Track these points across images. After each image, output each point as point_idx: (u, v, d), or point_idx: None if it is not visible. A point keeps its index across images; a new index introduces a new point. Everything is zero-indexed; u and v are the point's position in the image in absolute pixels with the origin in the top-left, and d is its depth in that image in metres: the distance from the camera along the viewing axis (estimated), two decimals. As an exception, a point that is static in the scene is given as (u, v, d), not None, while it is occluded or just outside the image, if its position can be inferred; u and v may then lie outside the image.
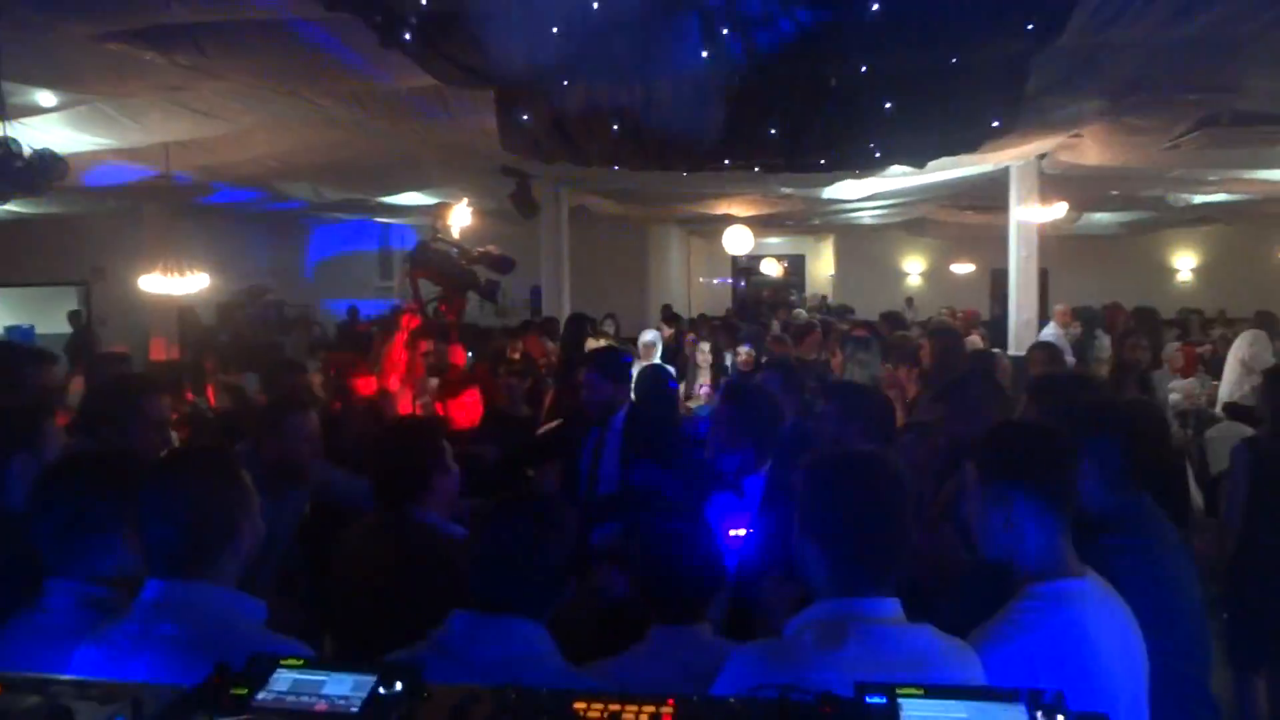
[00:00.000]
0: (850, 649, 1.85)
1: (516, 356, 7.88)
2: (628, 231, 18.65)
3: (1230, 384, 9.50)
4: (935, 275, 22.73)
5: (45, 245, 13.99)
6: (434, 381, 6.40)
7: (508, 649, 2.08)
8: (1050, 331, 11.91)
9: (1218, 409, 9.43)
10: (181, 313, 14.69)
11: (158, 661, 1.88)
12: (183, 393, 11.70)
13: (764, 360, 8.05)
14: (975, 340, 9.44)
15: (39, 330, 16.18)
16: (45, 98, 6.70)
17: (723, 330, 10.71)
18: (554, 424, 5.35)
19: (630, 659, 2.45)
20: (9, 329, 16.60)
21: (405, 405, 6.01)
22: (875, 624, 1.91)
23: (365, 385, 5.29)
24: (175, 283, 9.44)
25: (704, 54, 5.25)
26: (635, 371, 7.81)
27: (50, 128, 7.32)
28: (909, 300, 22.04)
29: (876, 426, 4.42)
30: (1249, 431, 6.57)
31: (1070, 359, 8.49)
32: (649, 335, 8.41)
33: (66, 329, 16.02)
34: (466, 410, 4.86)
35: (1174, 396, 9.82)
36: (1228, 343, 15.53)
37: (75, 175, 8.87)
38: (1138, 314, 13.01)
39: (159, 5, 4.80)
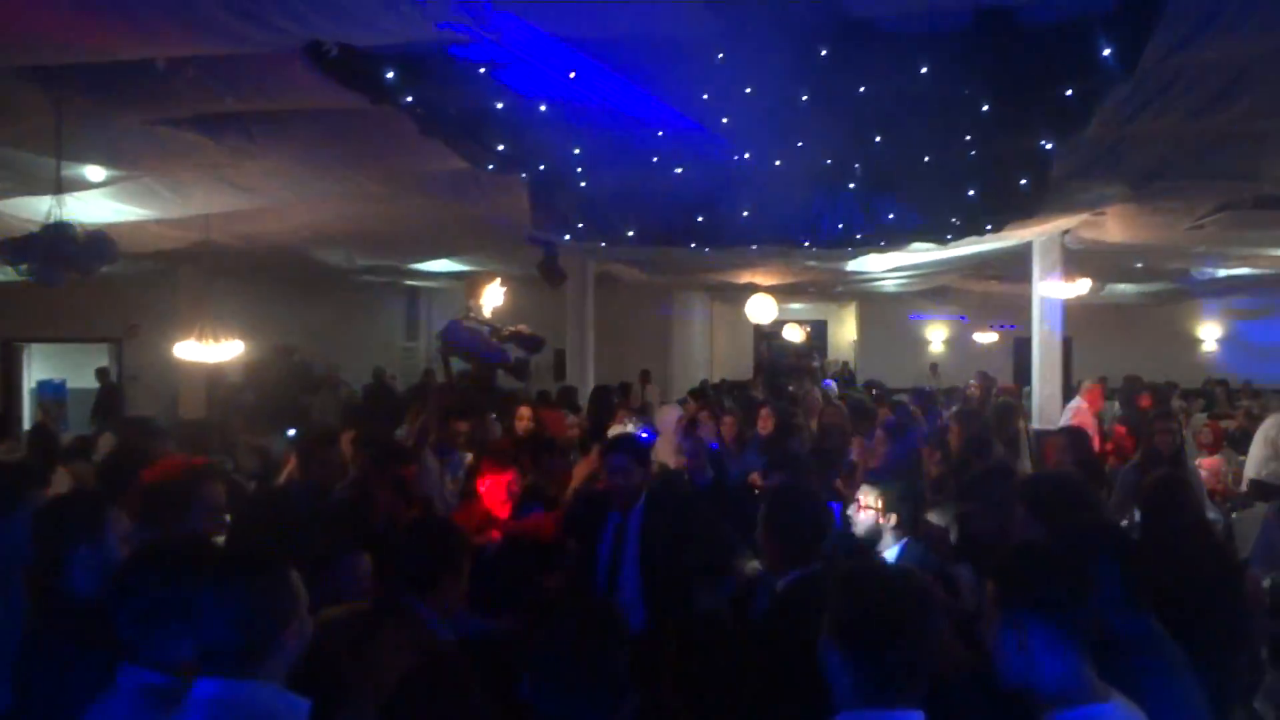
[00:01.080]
0: None
1: (524, 424, 7.72)
2: (651, 297, 18.81)
3: (1257, 461, 9.44)
4: (958, 342, 22.72)
5: (80, 303, 14.25)
6: (468, 457, 6.45)
7: None
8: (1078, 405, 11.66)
9: (1243, 485, 9.37)
10: (210, 372, 14.89)
11: None
12: (211, 453, 11.85)
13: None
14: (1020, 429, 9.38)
15: (71, 385, 16.46)
16: (94, 173, 6.93)
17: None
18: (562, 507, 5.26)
19: None
20: (42, 383, 16.88)
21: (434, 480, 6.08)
22: None
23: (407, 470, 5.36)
24: (209, 350, 9.60)
25: (736, 158, 5.41)
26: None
27: (96, 200, 7.57)
28: (933, 367, 22.02)
29: (910, 521, 4.48)
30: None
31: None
32: (670, 413, 8.39)
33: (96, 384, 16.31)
34: (499, 492, 4.92)
35: (1201, 474, 9.76)
36: (1253, 417, 15.48)
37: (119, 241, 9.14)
38: (1156, 394, 12.85)
39: (212, 96, 5.00)
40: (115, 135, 5.75)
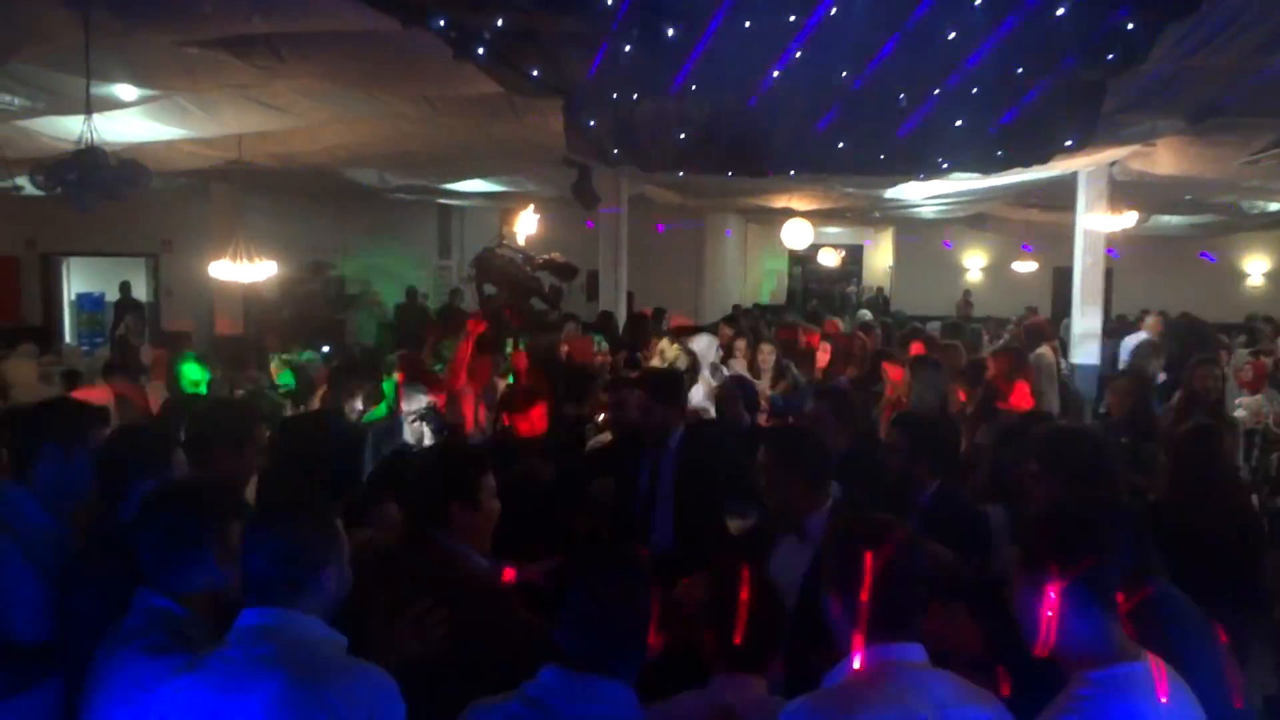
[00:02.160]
0: (889, 692, 2.01)
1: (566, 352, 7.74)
2: (685, 219, 18.62)
3: (1304, 402, 9.28)
4: (996, 271, 22.36)
5: (118, 217, 14.30)
6: (501, 384, 6.47)
7: (600, 711, 2.17)
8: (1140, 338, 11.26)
9: (1283, 426, 9.22)
10: (246, 288, 14.99)
11: (257, 680, 2.07)
12: (248, 368, 12.02)
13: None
14: (1046, 354, 9.18)
15: (109, 298, 16.65)
16: (125, 91, 6.86)
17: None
18: (605, 440, 5.30)
19: (691, 703, 2.49)
20: (81, 296, 17.08)
21: (469, 409, 6.10)
22: (907, 668, 2.08)
23: (434, 392, 5.37)
24: (243, 269, 9.63)
25: (775, 74, 5.23)
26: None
27: (128, 119, 7.52)
28: (966, 295, 21.73)
29: (943, 461, 4.42)
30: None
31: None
32: (702, 342, 8.30)
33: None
34: (532, 423, 4.90)
35: (1240, 414, 9.60)
36: (1298, 353, 15.18)
37: (152, 160, 9.12)
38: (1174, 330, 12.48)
39: (239, 17, 4.90)
40: (144, 55, 5.67)
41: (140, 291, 16.76)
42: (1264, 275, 21.17)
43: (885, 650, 2.09)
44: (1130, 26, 4.46)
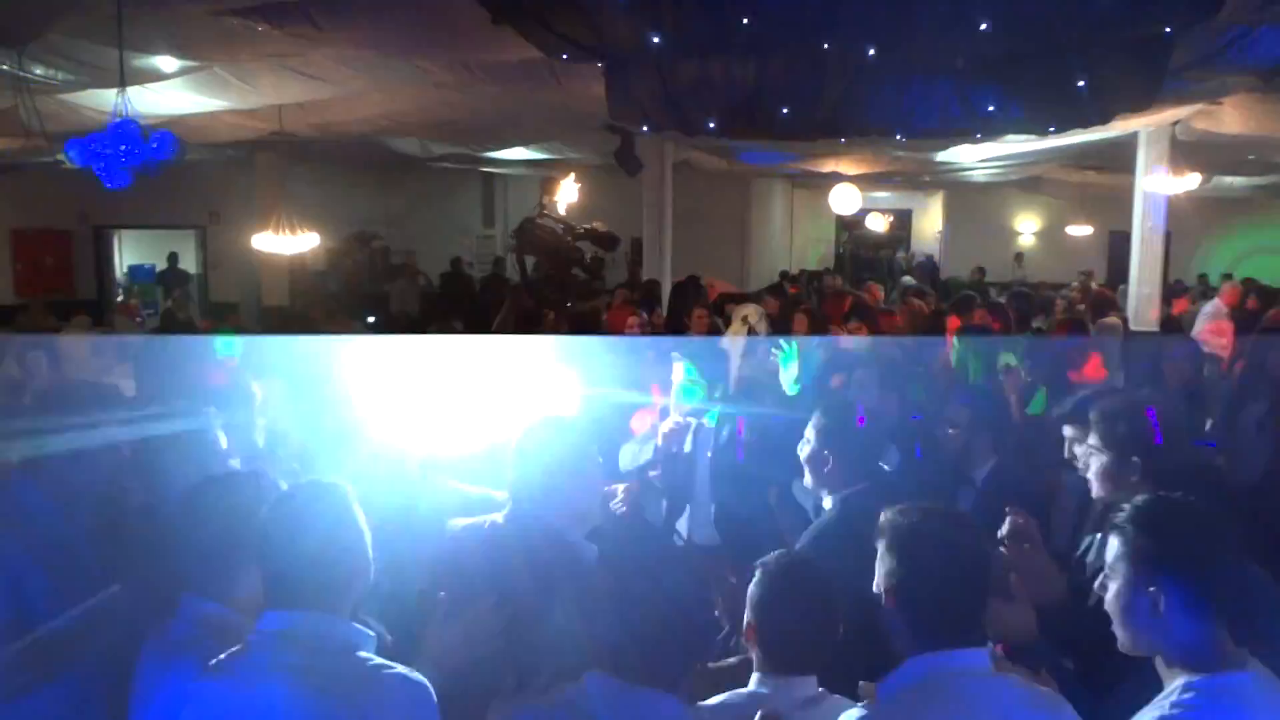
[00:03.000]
0: (950, 709, 1.90)
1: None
2: (731, 184, 18.36)
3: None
4: (1049, 235, 21.81)
5: (166, 189, 14.41)
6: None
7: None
8: (1216, 308, 10.81)
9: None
10: (292, 259, 15.07)
11: (284, 689, 1.97)
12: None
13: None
14: (1115, 323, 8.85)
15: (159, 269, 16.84)
16: (165, 63, 6.82)
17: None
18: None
19: (736, 706, 2.37)
20: (133, 268, 17.30)
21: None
22: (971, 677, 1.96)
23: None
24: (287, 241, 9.62)
25: (824, 34, 5.04)
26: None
27: (169, 91, 7.49)
28: (1018, 256, 21.22)
29: (1002, 436, 4.28)
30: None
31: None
32: (741, 310, 8.10)
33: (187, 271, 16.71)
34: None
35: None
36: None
37: (194, 132, 9.11)
38: (1262, 297, 12.04)
39: (275, -18, 4.81)
40: (179, 25, 5.61)
41: (190, 263, 16.95)
42: (1331, 238, 20.41)
43: (945, 659, 1.97)
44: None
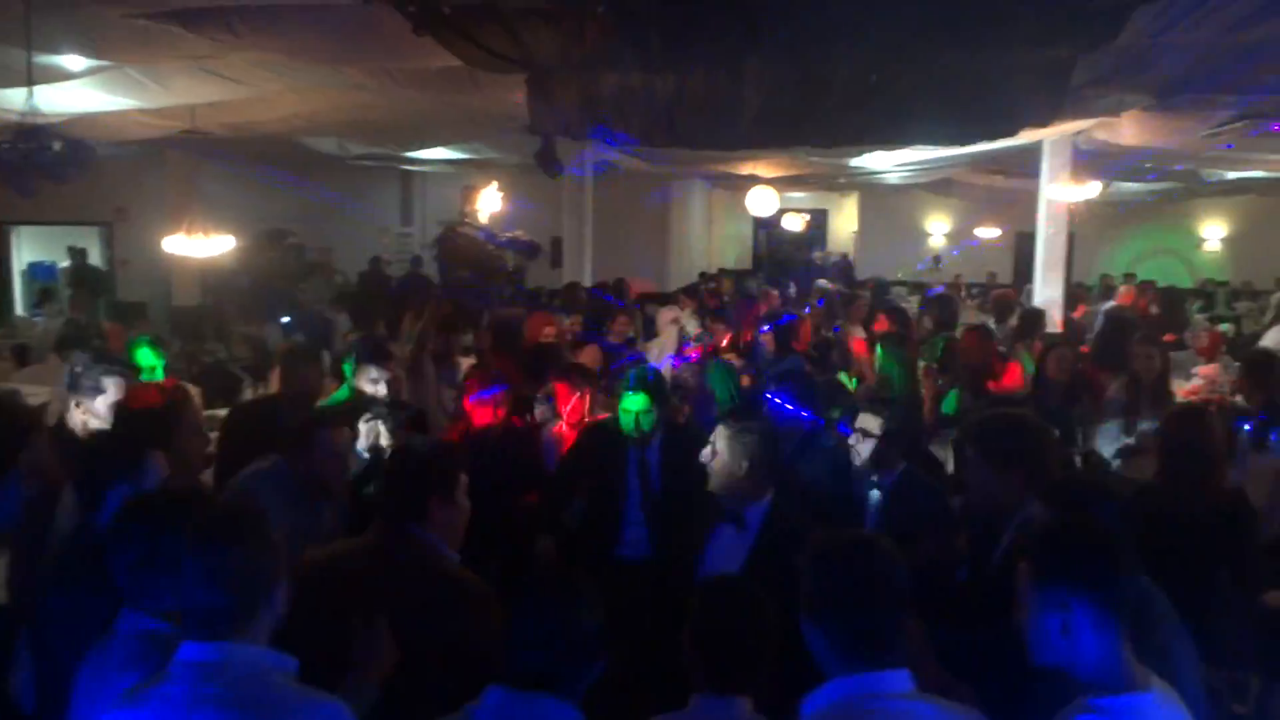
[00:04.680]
0: None
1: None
2: (651, 185, 18.46)
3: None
4: (960, 236, 22.44)
5: (69, 185, 13.93)
6: (466, 362, 6.38)
7: None
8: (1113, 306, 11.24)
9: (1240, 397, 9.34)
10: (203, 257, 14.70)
11: None
12: (204, 341, 11.79)
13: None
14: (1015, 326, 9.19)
15: (61, 265, 16.24)
16: (72, 62, 6.63)
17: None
18: (576, 432, 5.18)
19: None
20: (33, 264, 16.66)
21: (430, 389, 6.01)
22: (888, 699, 1.99)
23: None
24: (199, 244, 9.38)
25: (743, 50, 5.13)
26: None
27: (75, 89, 7.27)
28: (936, 259, 21.72)
29: (913, 444, 4.43)
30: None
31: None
32: (667, 315, 8.22)
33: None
34: (490, 411, 4.82)
35: (1196, 382, 9.70)
36: (1253, 319, 15.43)
37: (100, 130, 8.85)
38: (1165, 298, 12.57)
39: (191, -10, 4.72)
40: (92, 26, 5.46)
41: (95, 261, 16.39)
42: (1221, 241, 21.42)
43: (866, 681, 2.01)
44: (1101, 7, 4.41)
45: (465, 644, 2.61)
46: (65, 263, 15.99)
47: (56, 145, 4.87)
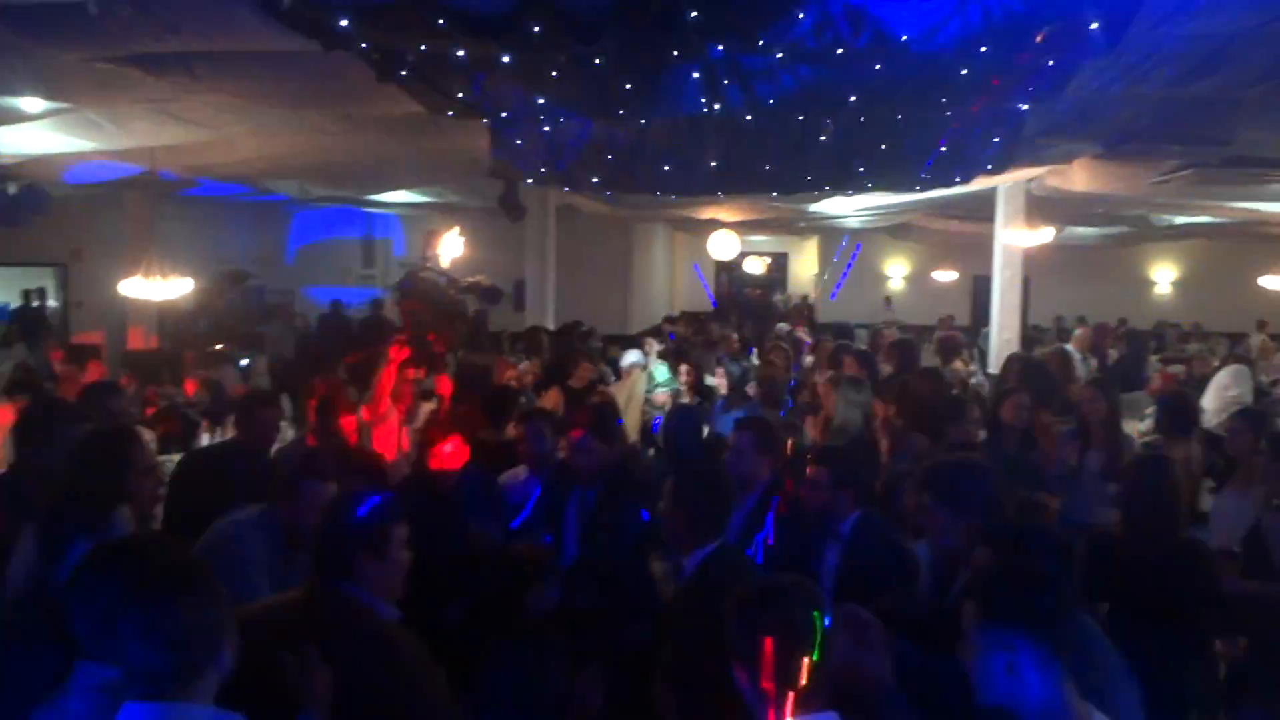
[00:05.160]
0: None
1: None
2: (613, 228, 18.58)
3: (1208, 412, 9.58)
4: (918, 279, 22.79)
5: (23, 225, 13.78)
6: (426, 407, 6.33)
7: None
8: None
9: (1194, 436, 9.50)
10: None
11: None
12: (160, 384, 11.60)
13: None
14: (958, 369, 9.33)
15: (13, 306, 15.96)
16: (30, 104, 6.58)
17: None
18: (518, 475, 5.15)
19: None
20: (-11, 305, 16.37)
21: (391, 433, 5.96)
22: None
23: (347, 422, 5.24)
24: (157, 287, 9.27)
25: (703, 101, 5.22)
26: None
27: (34, 131, 7.21)
28: (887, 300, 22.04)
29: (867, 491, 4.43)
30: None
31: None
32: (632, 357, 8.22)
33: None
34: (448, 459, 4.77)
35: (1148, 423, 9.87)
36: (1203, 360, 15.76)
37: (58, 171, 8.77)
38: (1131, 339, 12.66)
39: (151, 37, 4.71)
40: (51, 69, 5.43)
41: (51, 302, 16.14)
42: (1171, 284, 21.92)
43: None
44: (1051, 63, 4.55)
45: (392, 704, 2.53)
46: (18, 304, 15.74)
47: (12, 189, 4.81)
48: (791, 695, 2.05)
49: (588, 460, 4.32)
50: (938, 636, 2.88)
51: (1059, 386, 7.27)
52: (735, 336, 11.61)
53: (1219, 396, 9.47)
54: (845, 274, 21.10)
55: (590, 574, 4.10)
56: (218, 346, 11.97)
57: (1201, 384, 10.89)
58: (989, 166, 6.76)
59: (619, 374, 8.95)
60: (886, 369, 8.61)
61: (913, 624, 3.23)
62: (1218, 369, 10.73)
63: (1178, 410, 6.41)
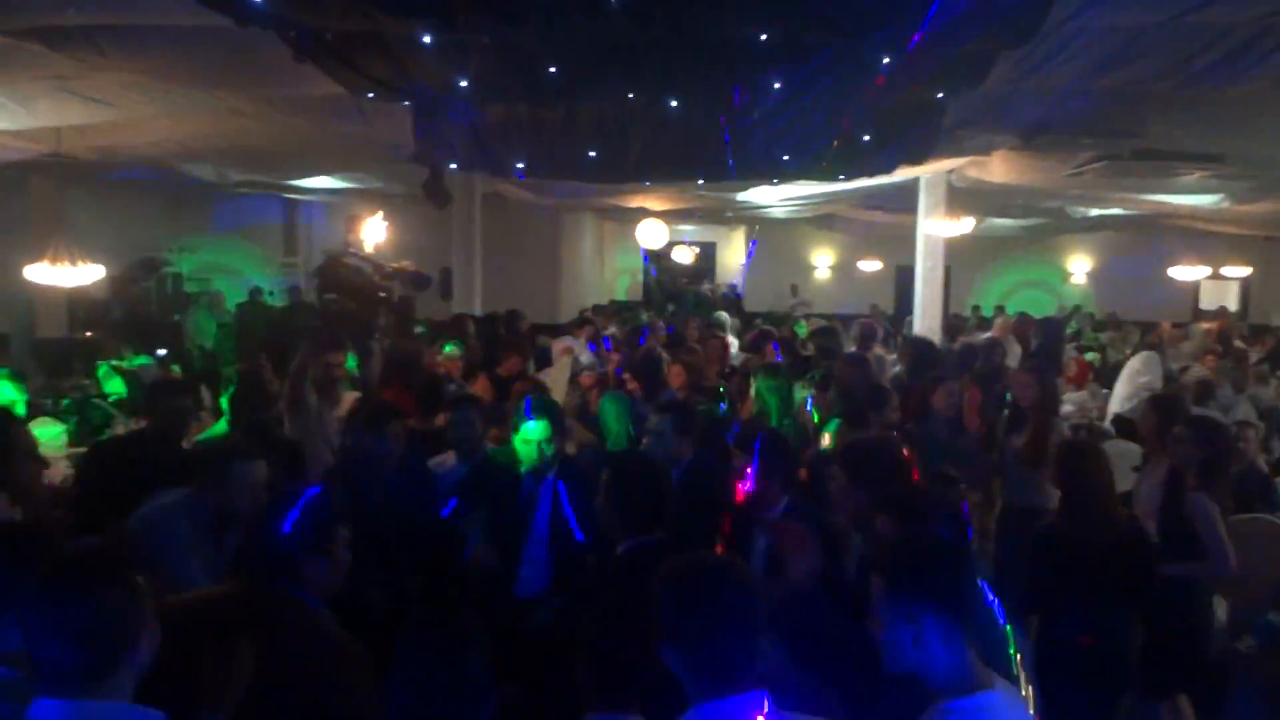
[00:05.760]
0: None
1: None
2: (541, 216, 18.45)
3: (1119, 398, 9.89)
4: (843, 269, 23.11)
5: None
6: (352, 395, 6.20)
7: None
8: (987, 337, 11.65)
9: (1107, 421, 9.81)
10: (71, 287, 14.02)
11: None
12: (73, 376, 11.20)
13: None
14: (882, 355, 9.46)
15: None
16: (-78, 81, 6.28)
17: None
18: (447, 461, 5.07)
19: None
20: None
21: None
22: None
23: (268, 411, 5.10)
24: (65, 273, 8.93)
25: (626, 85, 5.19)
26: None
27: (-72, 110, 6.89)
28: (794, 287, 22.19)
29: (793, 479, 4.46)
30: (1136, 449, 6.84)
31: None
32: (562, 344, 8.18)
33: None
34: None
35: (1067, 409, 10.15)
36: (1116, 347, 16.24)
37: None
38: (1045, 329, 12.95)
39: (51, 8, 4.52)
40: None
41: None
42: (1086, 274, 22.54)
43: (723, 707, 2.02)
44: (971, 50, 4.61)
45: (330, 703, 2.48)
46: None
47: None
48: (718, 673, 2.04)
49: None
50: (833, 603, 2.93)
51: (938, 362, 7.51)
52: (661, 324, 11.59)
53: (1131, 382, 9.79)
54: (746, 266, 21.34)
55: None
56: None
57: (1115, 371, 11.25)
58: (910, 157, 6.85)
59: (549, 362, 8.89)
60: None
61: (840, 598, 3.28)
62: (1130, 356, 11.11)
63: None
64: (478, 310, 13.36)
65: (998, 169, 9.86)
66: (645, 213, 15.49)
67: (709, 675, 2.05)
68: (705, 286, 23.20)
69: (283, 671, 2.44)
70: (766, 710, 2.05)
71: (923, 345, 8.36)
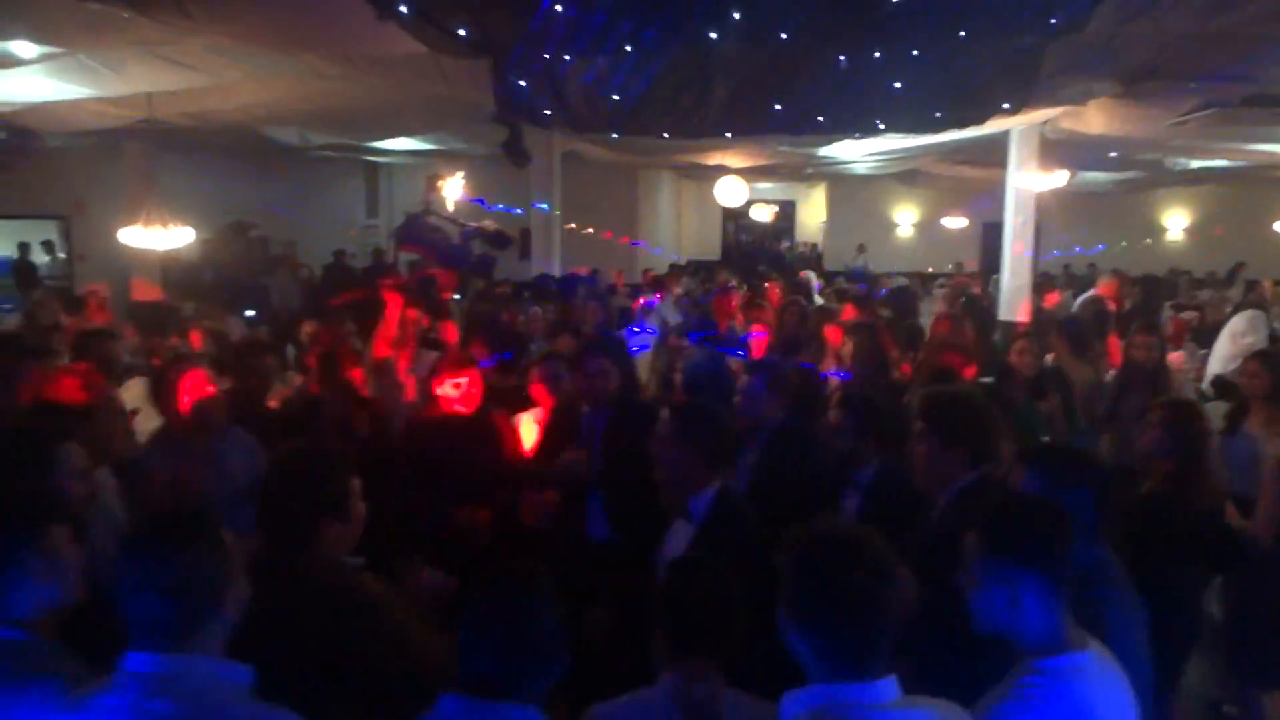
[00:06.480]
0: None
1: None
2: (619, 175, 18.36)
3: (1221, 358, 9.47)
4: (927, 227, 22.54)
5: (26, 177, 13.57)
6: (431, 355, 6.24)
7: None
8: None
9: (1205, 383, 9.41)
10: (164, 251, 14.40)
11: None
12: (167, 336, 11.55)
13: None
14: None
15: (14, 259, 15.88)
16: (23, 48, 6.44)
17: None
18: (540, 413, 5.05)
19: (650, 700, 2.36)
20: (-8, 258, 16.30)
21: (400, 378, 5.87)
22: (870, 710, 1.90)
23: (353, 372, 5.14)
24: (158, 236, 9.16)
25: (712, 35, 5.06)
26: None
27: (28, 77, 7.07)
28: (861, 247, 21.68)
29: (889, 439, 4.34)
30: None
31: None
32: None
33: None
34: (461, 400, 4.67)
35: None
36: (1215, 307, 15.60)
37: (55, 120, 8.62)
38: (1143, 288, 12.45)
39: (142, -29, 4.57)
40: (40, 11, 5.28)
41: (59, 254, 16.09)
42: (1183, 230, 21.65)
43: (850, 691, 1.90)
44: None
45: (359, 658, 2.42)
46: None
47: (2, 134, 4.69)
48: (847, 658, 1.91)
49: (601, 384, 4.26)
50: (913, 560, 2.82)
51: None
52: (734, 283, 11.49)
53: (1234, 342, 9.36)
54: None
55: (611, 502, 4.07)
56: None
57: (1214, 331, 10.78)
58: (1005, 106, 6.58)
59: (632, 321, 8.87)
60: (885, 315, 8.53)
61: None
62: (1231, 315, 10.62)
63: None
64: (557, 270, 13.40)
65: (1095, 119, 9.44)
66: (724, 170, 15.28)
67: (835, 659, 1.92)
68: (785, 245, 23.00)
69: (304, 631, 2.40)
70: (894, 699, 1.92)
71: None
